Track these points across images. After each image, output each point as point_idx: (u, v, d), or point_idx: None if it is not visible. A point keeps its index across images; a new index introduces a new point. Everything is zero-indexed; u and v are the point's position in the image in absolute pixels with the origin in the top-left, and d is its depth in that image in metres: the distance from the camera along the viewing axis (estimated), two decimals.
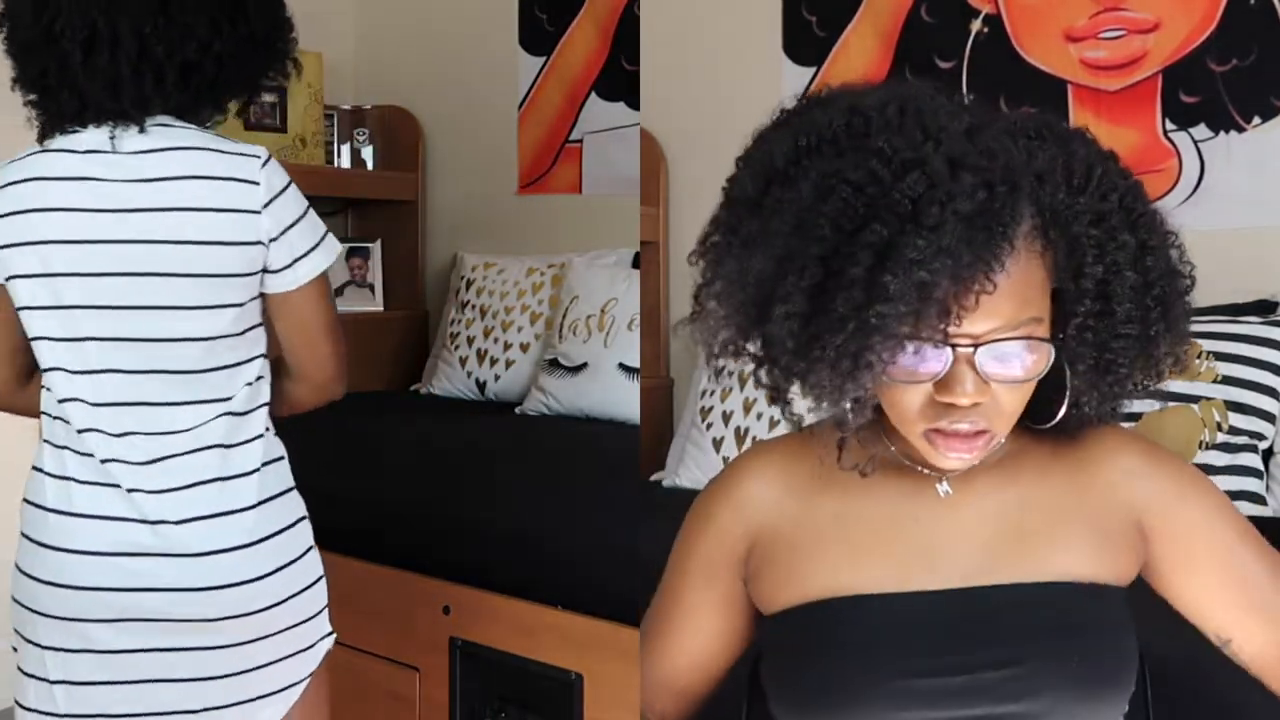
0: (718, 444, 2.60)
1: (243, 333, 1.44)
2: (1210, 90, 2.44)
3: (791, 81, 2.90)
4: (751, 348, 1.09)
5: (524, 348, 2.99)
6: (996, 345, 1.01)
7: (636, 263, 2.95)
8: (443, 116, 3.45)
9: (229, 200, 1.40)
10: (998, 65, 2.65)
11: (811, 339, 1.00)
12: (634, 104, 3.11)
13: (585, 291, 2.85)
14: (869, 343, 0.98)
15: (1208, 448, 2.13)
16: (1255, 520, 2.04)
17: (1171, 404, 2.09)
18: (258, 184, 1.41)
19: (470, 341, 3.09)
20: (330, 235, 1.48)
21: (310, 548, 1.48)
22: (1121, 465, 1.16)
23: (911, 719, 1.09)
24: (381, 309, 3.44)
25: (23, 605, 1.43)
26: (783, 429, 1.22)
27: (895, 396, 1.05)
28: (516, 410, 2.89)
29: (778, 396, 1.11)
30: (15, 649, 1.46)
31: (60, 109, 1.44)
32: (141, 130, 1.41)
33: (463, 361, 3.09)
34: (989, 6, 2.68)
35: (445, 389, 3.12)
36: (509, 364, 3.01)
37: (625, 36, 3.14)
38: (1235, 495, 2.09)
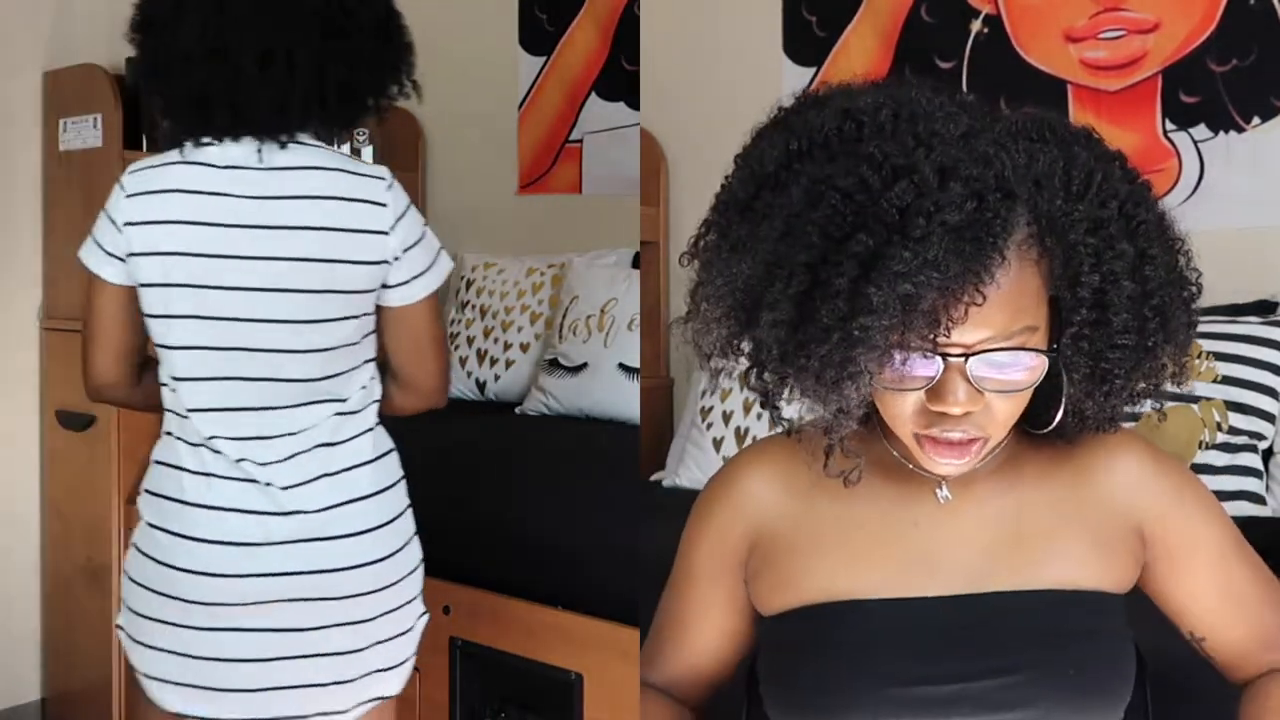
0: (718, 444, 2.60)
1: (359, 341, 1.52)
2: (1210, 90, 2.44)
3: (791, 81, 2.90)
4: (745, 347, 1.08)
5: (524, 348, 2.99)
6: (989, 355, 1.00)
7: (636, 263, 2.94)
8: (443, 116, 3.45)
9: (360, 221, 1.46)
10: (998, 65, 2.65)
11: (798, 347, 0.99)
12: (634, 104, 3.11)
13: (585, 291, 2.85)
14: (853, 354, 0.96)
15: (1208, 448, 2.13)
16: (1255, 520, 2.06)
17: (1171, 404, 2.09)
18: (385, 205, 1.48)
19: (470, 341, 3.09)
20: (444, 254, 1.56)
21: (414, 535, 1.57)
22: (1121, 471, 1.15)
23: None
24: None
25: (157, 591, 1.48)
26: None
27: (887, 400, 1.04)
28: (516, 410, 2.89)
29: (768, 400, 1.09)
30: (121, 627, 1.55)
31: (210, 121, 1.48)
32: (283, 147, 1.47)
33: (463, 361, 3.09)
34: (989, 6, 2.68)
35: None
36: (509, 364, 3.01)
37: (625, 36, 3.14)
38: (1235, 495, 2.09)
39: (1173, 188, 2.45)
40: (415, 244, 1.51)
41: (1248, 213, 2.39)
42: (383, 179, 1.50)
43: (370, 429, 1.54)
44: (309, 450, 1.49)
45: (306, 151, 1.49)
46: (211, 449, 1.48)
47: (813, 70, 2.93)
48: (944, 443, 1.04)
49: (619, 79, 3.17)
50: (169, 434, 1.53)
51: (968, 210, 0.94)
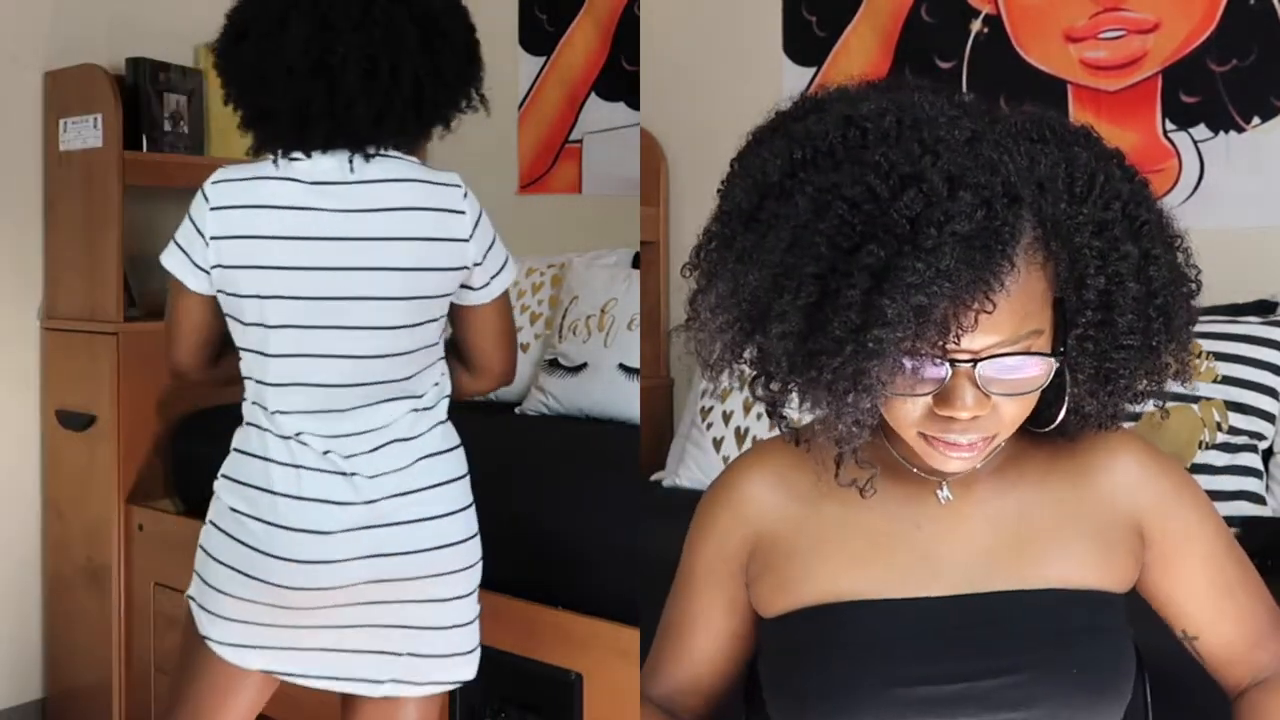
0: (718, 444, 2.60)
1: (438, 342, 1.63)
2: (1210, 90, 2.44)
3: (791, 81, 2.90)
4: (748, 354, 1.07)
5: (524, 348, 2.99)
6: (997, 359, 0.99)
7: (636, 263, 2.94)
8: None
9: (443, 230, 1.55)
10: (998, 65, 2.65)
11: (808, 358, 0.98)
12: (634, 104, 3.11)
13: (585, 291, 2.85)
14: (866, 365, 0.96)
15: (1208, 448, 2.13)
16: (1255, 520, 2.06)
17: (1171, 404, 2.09)
18: (464, 213, 1.56)
19: None
20: (510, 254, 1.65)
21: (477, 530, 1.64)
22: (1122, 471, 1.16)
23: None
24: None
25: (244, 573, 1.55)
26: None
27: (893, 404, 1.03)
28: (516, 410, 2.89)
29: (774, 410, 1.09)
30: (191, 596, 1.62)
31: (307, 134, 1.53)
32: (368, 160, 1.54)
33: None
34: (989, 6, 2.68)
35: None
36: None
37: (625, 36, 3.14)
38: (1235, 495, 2.09)
39: (1173, 188, 2.45)
40: (491, 246, 1.60)
41: (1248, 213, 2.39)
42: (459, 186, 1.57)
43: (442, 422, 1.63)
44: (389, 444, 1.57)
45: (389, 163, 1.56)
46: (300, 442, 1.55)
47: (813, 70, 2.93)
48: (952, 444, 1.04)
49: (619, 79, 3.17)
50: (252, 425, 1.59)
51: (978, 220, 0.94)
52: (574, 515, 2.07)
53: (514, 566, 2.09)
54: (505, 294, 1.66)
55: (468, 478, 1.66)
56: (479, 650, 1.66)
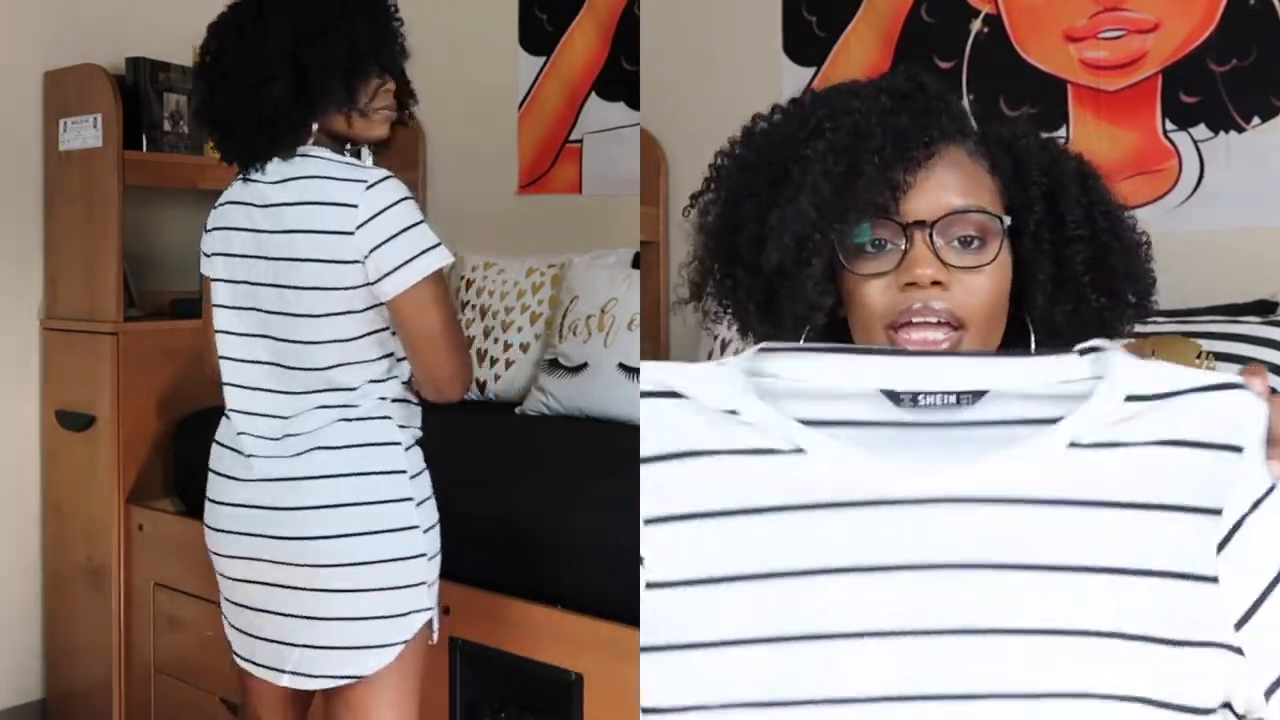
0: None
1: (360, 336, 1.67)
2: (1210, 90, 2.44)
3: (791, 81, 2.90)
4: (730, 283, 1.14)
5: (524, 348, 2.99)
6: (951, 223, 1.05)
7: (636, 263, 2.94)
8: (443, 116, 3.45)
9: (331, 223, 1.63)
10: (998, 65, 2.65)
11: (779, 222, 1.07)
12: (634, 104, 3.11)
13: (585, 291, 2.85)
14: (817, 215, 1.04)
15: None
16: None
17: None
18: (357, 207, 1.62)
19: (470, 341, 3.09)
20: (438, 250, 1.64)
21: (412, 526, 1.66)
22: None
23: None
24: None
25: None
26: None
27: (859, 297, 1.07)
28: (516, 410, 2.89)
29: (746, 319, 1.15)
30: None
31: (221, 149, 1.76)
32: (287, 160, 1.69)
33: None
34: (989, 6, 2.68)
35: None
36: (509, 364, 3.01)
37: (625, 36, 3.15)
38: None
39: (1173, 188, 2.45)
40: (385, 242, 1.62)
41: (1248, 213, 2.38)
42: (363, 181, 1.64)
43: (363, 419, 1.67)
44: (291, 433, 1.67)
45: (307, 162, 1.68)
46: (227, 417, 1.74)
47: (813, 70, 2.93)
48: (921, 325, 1.05)
49: (619, 79, 3.17)
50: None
51: (909, 96, 1.08)
52: (574, 515, 2.07)
53: (514, 566, 2.10)
54: (419, 291, 1.63)
55: (389, 476, 1.66)
56: (391, 647, 1.65)
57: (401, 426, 1.70)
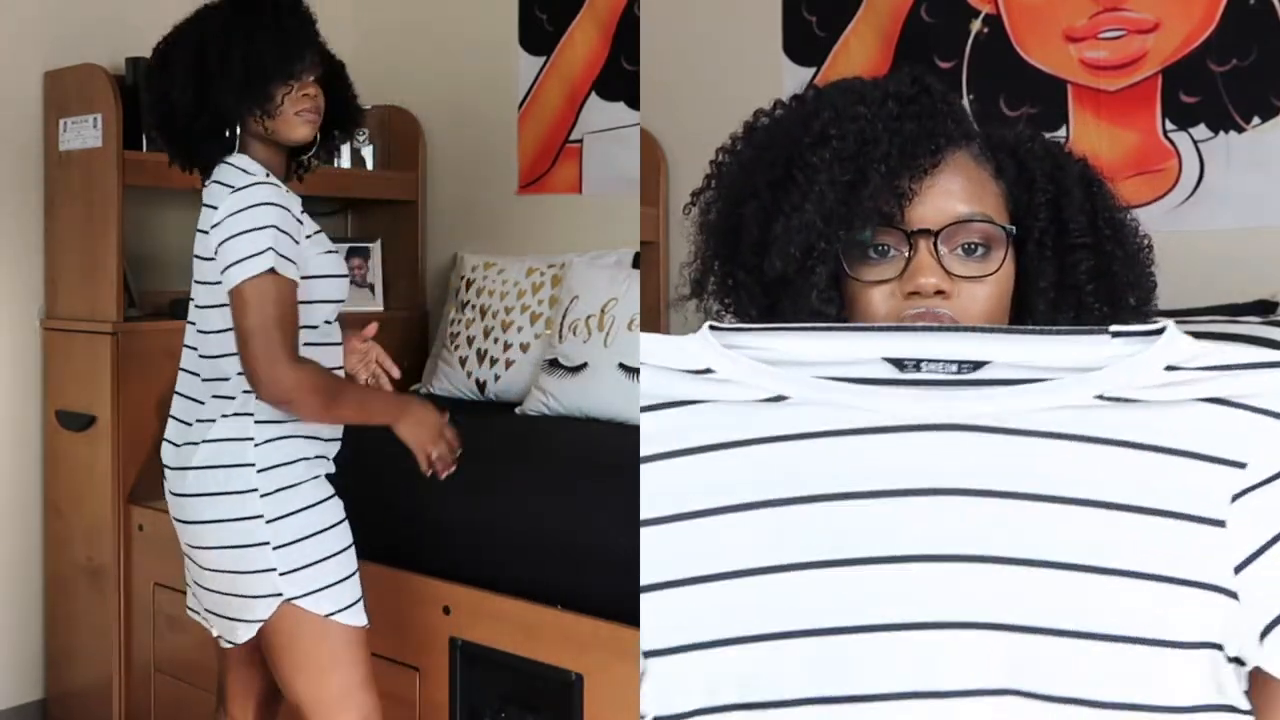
0: None
1: (229, 329, 1.76)
2: (1210, 90, 2.43)
3: (791, 81, 2.90)
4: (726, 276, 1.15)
5: (524, 348, 2.99)
6: (955, 231, 1.05)
7: (636, 263, 2.94)
8: (443, 116, 3.45)
9: (205, 223, 1.80)
10: (998, 65, 2.65)
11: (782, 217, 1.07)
12: (634, 104, 3.11)
13: (585, 291, 2.85)
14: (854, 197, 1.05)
15: None
16: None
17: None
18: (216, 208, 1.77)
19: (470, 341, 3.09)
20: (266, 254, 1.71)
21: (257, 515, 1.77)
22: None
23: None
24: (381, 309, 3.44)
25: None
26: None
27: (862, 302, 1.07)
28: (516, 410, 2.89)
29: (748, 322, 1.15)
30: None
31: (179, 156, 1.95)
32: (212, 168, 1.85)
33: (463, 362, 3.09)
34: (989, 6, 2.68)
35: (445, 389, 3.12)
36: (509, 364, 3.01)
37: (625, 36, 3.14)
38: None
39: (1173, 188, 2.45)
40: (226, 240, 1.73)
41: (1248, 213, 2.38)
42: (230, 186, 1.77)
43: (238, 413, 1.80)
44: (192, 425, 1.85)
45: (221, 169, 1.83)
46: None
47: (813, 70, 2.93)
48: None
49: (619, 79, 3.17)
50: None
51: (914, 100, 1.08)
52: (574, 515, 2.07)
53: (514, 566, 2.10)
54: (244, 292, 1.71)
55: (243, 468, 1.78)
56: (251, 623, 1.80)
57: (262, 422, 1.79)
